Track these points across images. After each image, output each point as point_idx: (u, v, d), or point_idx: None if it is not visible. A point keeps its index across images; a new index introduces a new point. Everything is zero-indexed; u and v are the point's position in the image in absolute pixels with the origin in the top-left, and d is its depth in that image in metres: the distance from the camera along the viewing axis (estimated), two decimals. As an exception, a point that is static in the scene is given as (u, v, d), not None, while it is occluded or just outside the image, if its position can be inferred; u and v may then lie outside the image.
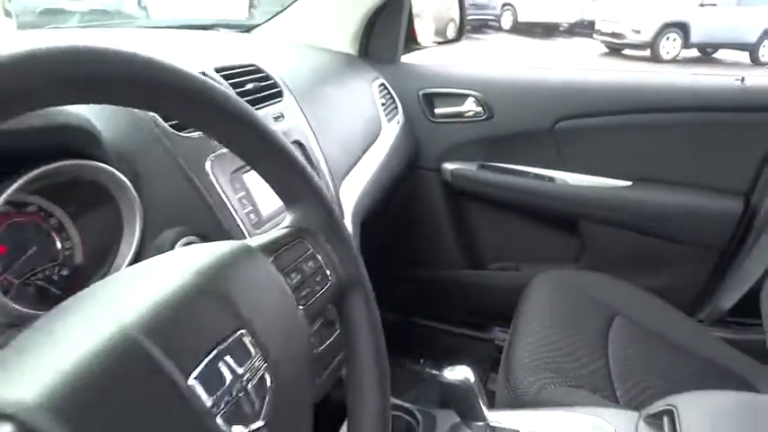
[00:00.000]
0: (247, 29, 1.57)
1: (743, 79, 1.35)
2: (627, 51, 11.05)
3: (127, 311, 0.32)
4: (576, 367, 1.01)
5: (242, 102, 0.43)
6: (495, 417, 0.88)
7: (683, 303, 1.34)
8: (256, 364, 0.37)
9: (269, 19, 1.56)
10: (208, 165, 0.70)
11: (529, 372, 0.99)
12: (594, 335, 1.10)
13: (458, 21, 1.79)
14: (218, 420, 0.33)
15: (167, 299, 0.34)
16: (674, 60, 10.42)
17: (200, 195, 0.68)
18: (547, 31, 13.48)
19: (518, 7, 13.58)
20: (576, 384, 0.97)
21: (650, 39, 10.76)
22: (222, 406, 0.34)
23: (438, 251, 1.63)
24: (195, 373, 0.33)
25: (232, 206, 0.72)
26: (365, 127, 1.30)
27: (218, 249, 0.41)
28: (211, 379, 0.34)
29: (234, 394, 0.35)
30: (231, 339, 0.36)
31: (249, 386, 0.36)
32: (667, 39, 10.72)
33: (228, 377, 0.35)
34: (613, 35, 11.22)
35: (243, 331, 0.37)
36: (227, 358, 0.35)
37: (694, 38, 10.35)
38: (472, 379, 0.82)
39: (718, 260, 1.40)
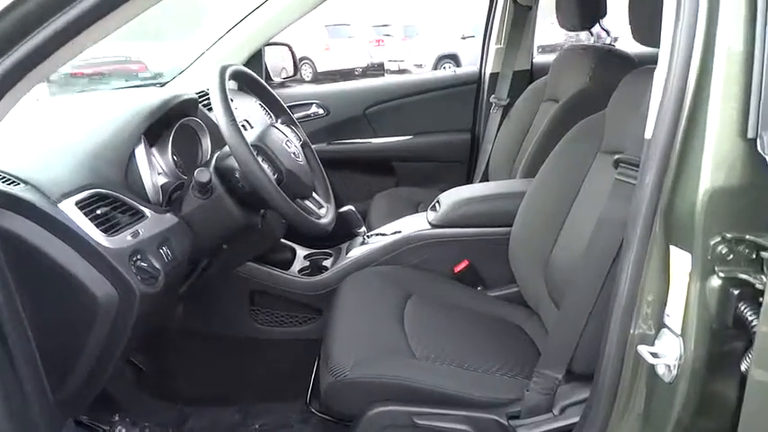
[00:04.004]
0: (162, 84, 2.41)
1: (455, 71, 2.56)
2: (415, 82, 12.87)
3: None
4: None
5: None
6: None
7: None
8: None
9: (174, 77, 2.41)
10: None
11: None
12: None
13: (289, 68, 2.84)
14: None
15: None
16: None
17: None
18: (344, 76, 14.69)
19: (315, 60, 14.82)
20: None
21: (431, 69, 12.75)
22: None
23: None
24: None
25: None
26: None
27: None
28: None
29: None
30: None
31: None
32: (444, 68, 12.68)
33: None
34: (401, 71, 13.04)
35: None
36: None
37: (464, 63, 11.91)
38: (354, 209, 1.79)
39: (467, 167, 2.56)
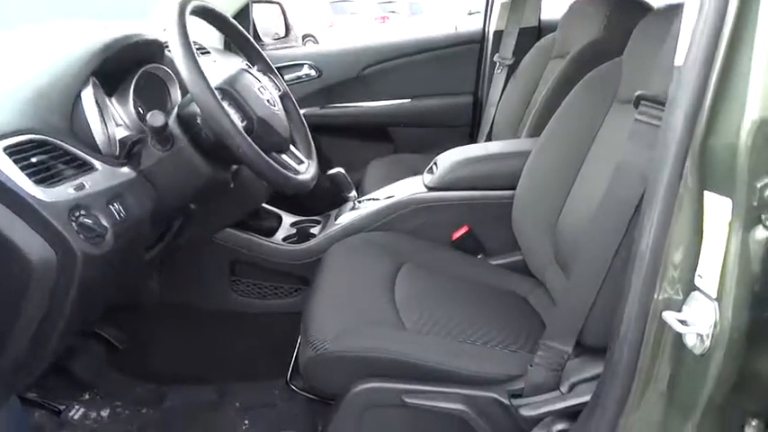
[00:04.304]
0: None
1: (456, 27, 2.38)
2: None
3: None
4: None
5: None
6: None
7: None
8: None
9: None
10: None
11: None
12: None
13: (281, 32, 2.72)
14: None
15: None
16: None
17: None
18: (348, 54, 14.79)
19: (318, 37, 14.64)
20: None
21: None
22: None
23: None
24: None
25: None
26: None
27: None
28: None
29: None
30: None
31: None
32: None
33: None
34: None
35: None
36: None
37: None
38: (343, 171, 1.64)
39: (469, 131, 2.40)
